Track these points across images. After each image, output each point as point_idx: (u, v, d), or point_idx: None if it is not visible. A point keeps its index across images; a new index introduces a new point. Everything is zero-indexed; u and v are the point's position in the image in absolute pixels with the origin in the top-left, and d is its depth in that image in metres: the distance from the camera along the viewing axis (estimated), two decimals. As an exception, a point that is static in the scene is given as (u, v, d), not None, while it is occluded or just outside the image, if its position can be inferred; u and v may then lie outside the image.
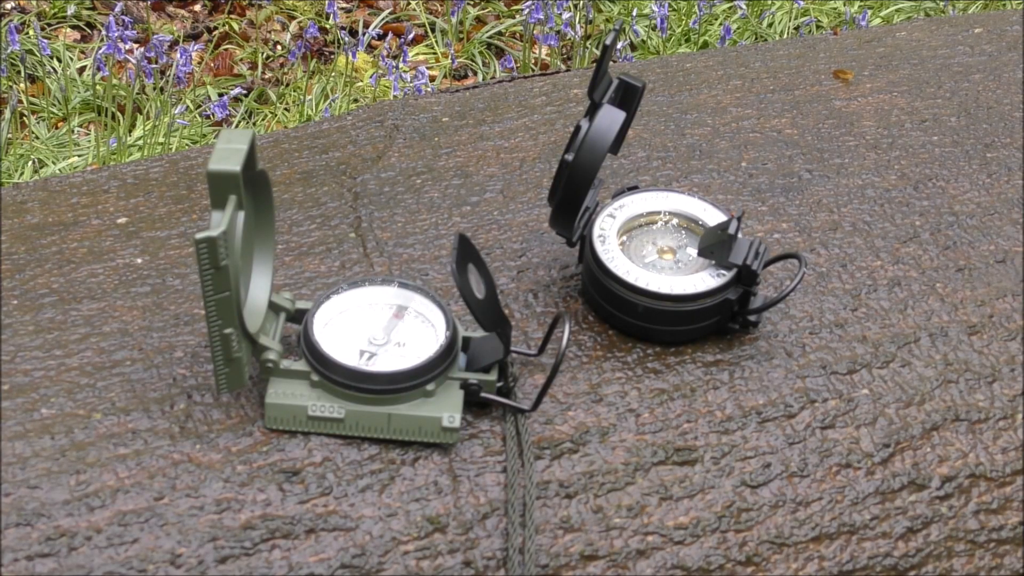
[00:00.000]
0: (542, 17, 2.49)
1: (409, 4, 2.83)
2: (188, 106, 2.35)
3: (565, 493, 0.62)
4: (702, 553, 0.62)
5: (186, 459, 0.60)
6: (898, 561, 0.65)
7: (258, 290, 0.63)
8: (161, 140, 2.24)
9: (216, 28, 2.72)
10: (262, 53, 2.63)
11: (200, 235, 0.55)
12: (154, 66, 2.33)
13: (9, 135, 2.21)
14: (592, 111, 0.67)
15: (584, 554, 0.61)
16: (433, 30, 2.76)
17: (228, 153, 0.57)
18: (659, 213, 0.72)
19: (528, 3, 2.54)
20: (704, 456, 0.65)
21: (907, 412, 0.68)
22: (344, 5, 2.83)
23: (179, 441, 0.61)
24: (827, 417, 0.67)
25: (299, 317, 0.65)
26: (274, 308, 0.64)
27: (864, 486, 0.66)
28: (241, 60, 2.66)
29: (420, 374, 0.61)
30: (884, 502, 0.65)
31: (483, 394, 0.63)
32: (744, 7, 2.67)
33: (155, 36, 2.38)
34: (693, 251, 0.70)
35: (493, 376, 0.63)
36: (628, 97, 0.69)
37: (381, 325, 0.64)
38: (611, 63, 0.69)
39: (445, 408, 0.62)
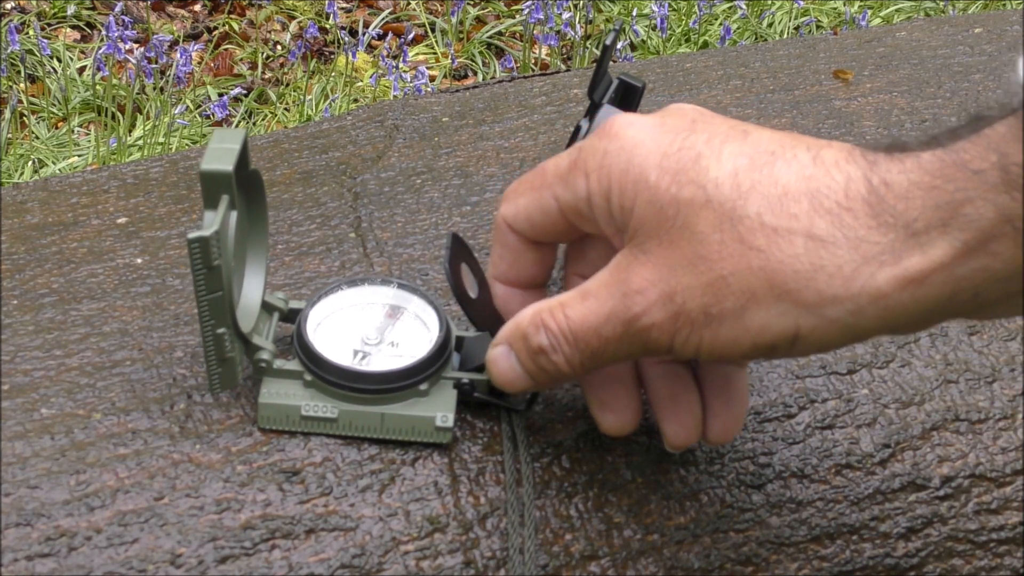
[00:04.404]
0: (542, 17, 2.49)
1: (409, 4, 2.83)
2: (188, 106, 2.35)
3: (565, 493, 0.62)
4: (702, 553, 0.62)
5: (186, 459, 0.60)
6: (898, 561, 0.65)
7: (251, 290, 0.63)
8: (161, 140, 2.25)
9: (216, 28, 2.72)
10: (262, 53, 2.63)
11: (192, 235, 0.55)
12: (154, 66, 2.33)
13: (9, 135, 2.21)
14: (592, 111, 0.67)
15: (584, 554, 0.61)
16: (433, 30, 2.76)
17: (220, 153, 0.57)
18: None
19: (528, 3, 2.54)
20: (704, 456, 0.65)
21: (907, 412, 0.68)
22: (344, 5, 2.83)
23: (179, 441, 0.61)
24: (826, 417, 0.67)
25: (292, 317, 0.65)
26: (267, 308, 0.64)
27: (864, 486, 0.66)
28: (241, 60, 2.66)
29: (413, 374, 0.61)
30: (884, 502, 0.65)
31: (476, 394, 0.63)
32: (744, 7, 2.67)
33: (155, 36, 2.38)
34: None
35: (486, 376, 0.63)
36: (628, 97, 0.69)
37: (375, 325, 0.64)
38: (611, 63, 0.69)
39: (438, 408, 0.62)
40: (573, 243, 0.61)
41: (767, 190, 0.51)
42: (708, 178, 0.52)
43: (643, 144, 0.54)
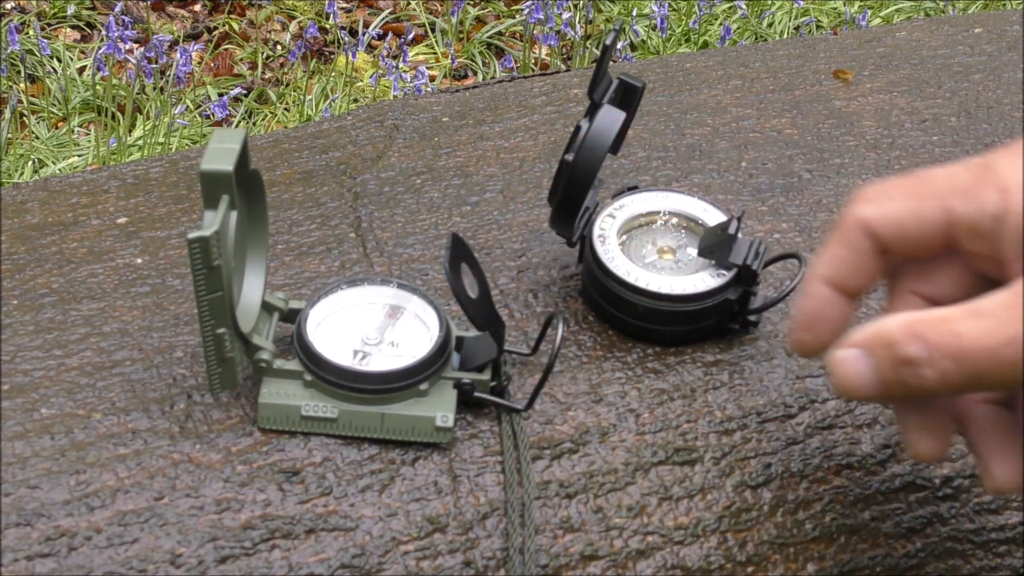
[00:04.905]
0: (542, 17, 2.49)
1: (409, 4, 2.83)
2: (188, 106, 2.35)
3: (565, 493, 0.62)
4: (702, 553, 0.62)
5: (186, 459, 0.60)
6: (898, 561, 0.65)
7: (251, 290, 0.63)
8: (161, 140, 2.24)
9: (216, 28, 2.71)
10: (262, 53, 2.63)
11: (192, 235, 0.55)
12: (154, 66, 2.33)
13: (9, 135, 2.21)
14: (592, 111, 0.67)
15: (584, 554, 0.61)
16: (433, 30, 2.76)
17: (220, 153, 0.57)
18: (659, 213, 0.72)
19: (528, 3, 2.54)
20: (704, 456, 0.65)
21: (907, 412, 0.68)
22: (344, 5, 2.83)
23: (179, 441, 0.61)
24: (827, 417, 0.67)
25: (292, 317, 0.65)
26: (267, 308, 0.65)
27: (864, 486, 0.66)
28: (241, 60, 2.66)
29: (413, 374, 0.61)
30: (884, 502, 0.65)
31: (476, 393, 0.63)
32: (744, 7, 2.67)
33: (155, 36, 2.38)
34: (693, 251, 0.70)
35: (486, 376, 0.63)
36: (628, 97, 0.69)
37: (375, 325, 0.64)
38: (611, 63, 0.69)
39: (438, 408, 0.62)
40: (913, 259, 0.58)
41: None
42: None
43: None
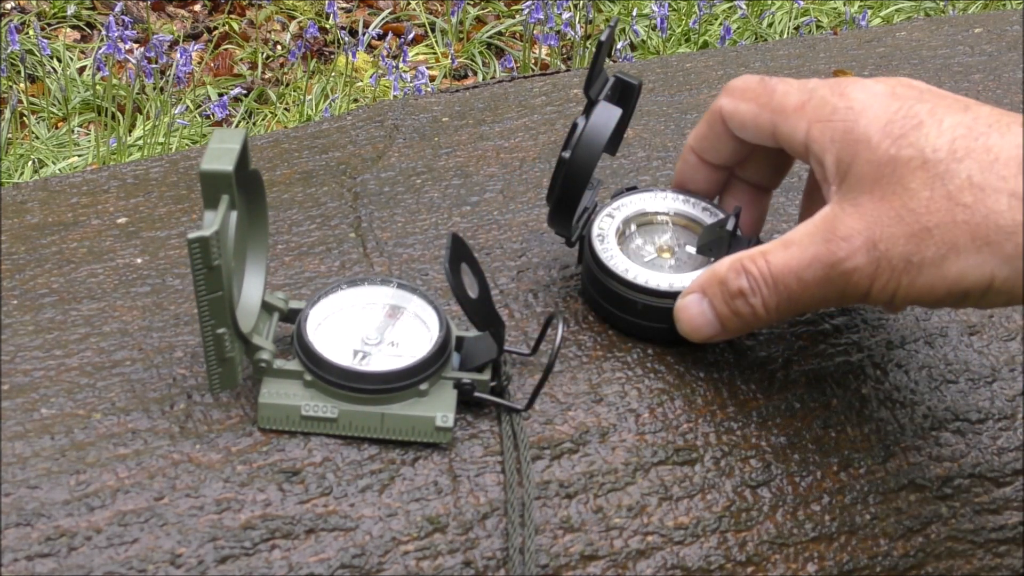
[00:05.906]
0: (542, 17, 2.49)
1: (409, 4, 2.83)
2: (188, 106, 2.35)
3: (565, 493, 0.62)
4: (702, 553, 0.62)
5: (186, 459, 0.60)
6: (898, 561, 0.65)
7: (251, 290, 0.63)
8: (161, 140, 2.24)
9: (216, 28, 2.71)
10: (262, 53, 2.63)
11: (192, 235, 0.55)
12: (154, 66, 2.33)
13: (9, 135, 2.21)
14: (588, 108, 0.67)
15: (584, 554, 0.61)
16: (433, 30, 2.76)
17: (220, 153, 0.57)
18: (658, 213, 0.72)
19: (528, 3, 2.54)
20: (704, 456, 0.65)
21: (907, 412, 0.68)
22: (344, 5, 2.83)
23: (179, 441, 0.61)
24: (828, 417, 0.67)
25: (292, 317, 0.65)
26: (267, 308, 0.65)
27: (864, 486, 0.66)
28: (241, 60, 2.66)
29: (413, 374, 0.61)
30: (884, 502, 0.65)
31: (476, 393, 0.63)
32: (744, 7, 2.67)
33: (155, 36, 2.38)
34: (692, 249, 0.70)
35: (486, 376, 0.63)
36: (625, 95, 0.69)
37: (375, 325, 0.64)
38: (612, 63, 0.69)
39: (438, 408, 0.62)
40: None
41: (980, 156, 0.56)
42: (927, 143, 0.56)
43: (871, 108, 0.58)
